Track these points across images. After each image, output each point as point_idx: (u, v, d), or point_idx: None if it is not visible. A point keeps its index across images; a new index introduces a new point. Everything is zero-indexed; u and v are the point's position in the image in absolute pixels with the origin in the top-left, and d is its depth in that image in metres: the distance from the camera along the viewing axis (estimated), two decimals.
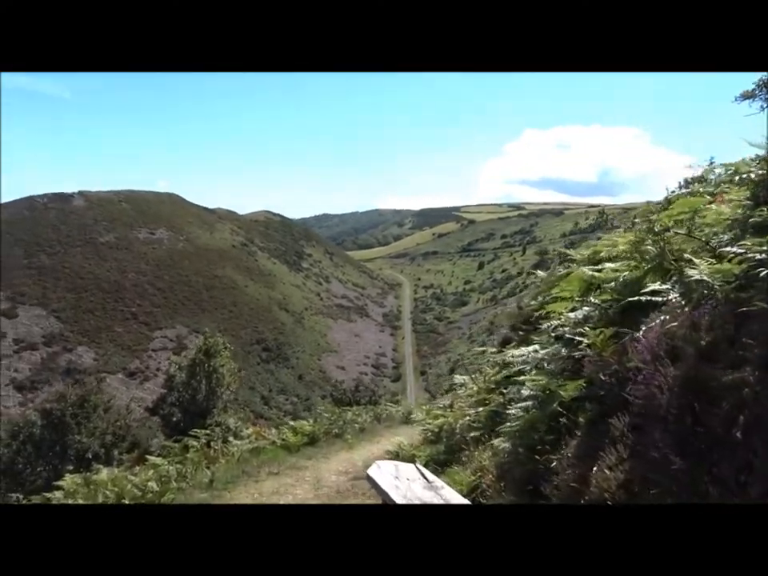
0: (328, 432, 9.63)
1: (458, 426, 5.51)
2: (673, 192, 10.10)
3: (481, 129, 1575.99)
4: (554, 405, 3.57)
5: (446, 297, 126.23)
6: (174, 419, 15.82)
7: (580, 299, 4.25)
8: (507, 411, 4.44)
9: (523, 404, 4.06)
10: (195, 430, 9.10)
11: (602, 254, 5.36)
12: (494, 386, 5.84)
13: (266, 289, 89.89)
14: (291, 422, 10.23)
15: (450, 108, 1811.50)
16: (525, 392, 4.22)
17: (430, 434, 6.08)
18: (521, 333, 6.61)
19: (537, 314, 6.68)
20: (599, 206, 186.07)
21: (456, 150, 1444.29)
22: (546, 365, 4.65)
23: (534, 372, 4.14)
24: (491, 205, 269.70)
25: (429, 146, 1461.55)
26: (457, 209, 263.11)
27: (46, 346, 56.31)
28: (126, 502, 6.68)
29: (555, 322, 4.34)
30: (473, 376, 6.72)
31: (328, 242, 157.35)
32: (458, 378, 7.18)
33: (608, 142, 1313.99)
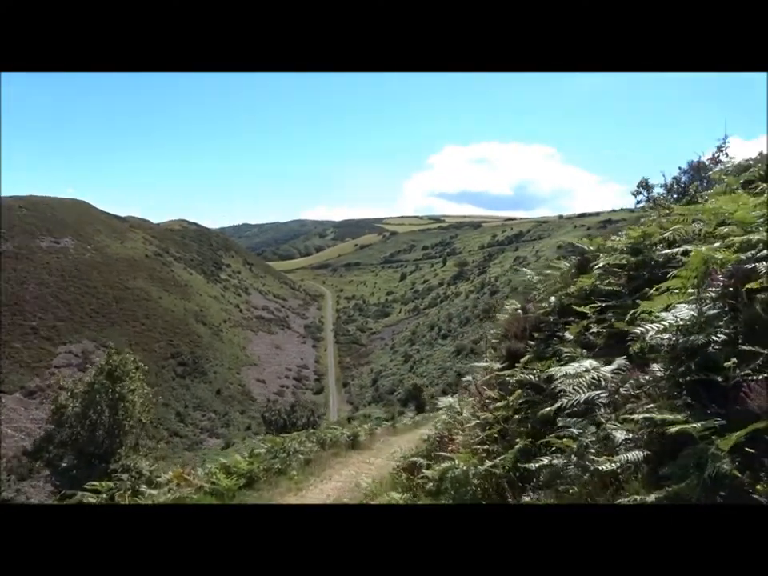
0: (268, 469, 7.75)
1: (472, 473, 3.96)
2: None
3: (403, 143, 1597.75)
4: (720, 464, 2.12)
5: (369, 308, 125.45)
6: (64, 464, 11.81)
7: (694, 291, 2.85)
8: (582, 461, 2.96)
9: (628, 455, 2.57)
10: (93, 482, 6.83)
11: (665, 234, 4.03)
12: (512, 414, 4.36)
13: (182, 300, 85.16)
14: (223, 459, 8.24)
15: (373, 119, 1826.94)
16: (618, 435, 2.75)
17: (430, 483, 4.49)
18: (531, 343, 5.19)
19: (552, 318, 5.32)
20: (515, 219, 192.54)
21: (378, 162, 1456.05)
22: (620, 389, 3.25)
23: (646, 403, 2.67)
24: (412, 217, 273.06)
25: (351, 158, 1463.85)
26: (379, 220, 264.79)
27: None
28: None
29: (652, 326, 2.91)
30: (471, 399, 5.20)
31: (248, 252, 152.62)
32: (444, 400, 5.63)
33: (524, 159, 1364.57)
